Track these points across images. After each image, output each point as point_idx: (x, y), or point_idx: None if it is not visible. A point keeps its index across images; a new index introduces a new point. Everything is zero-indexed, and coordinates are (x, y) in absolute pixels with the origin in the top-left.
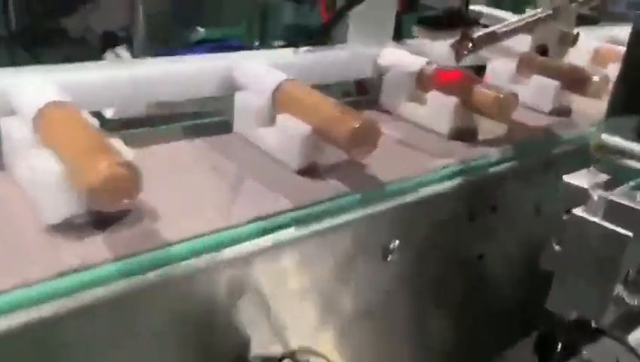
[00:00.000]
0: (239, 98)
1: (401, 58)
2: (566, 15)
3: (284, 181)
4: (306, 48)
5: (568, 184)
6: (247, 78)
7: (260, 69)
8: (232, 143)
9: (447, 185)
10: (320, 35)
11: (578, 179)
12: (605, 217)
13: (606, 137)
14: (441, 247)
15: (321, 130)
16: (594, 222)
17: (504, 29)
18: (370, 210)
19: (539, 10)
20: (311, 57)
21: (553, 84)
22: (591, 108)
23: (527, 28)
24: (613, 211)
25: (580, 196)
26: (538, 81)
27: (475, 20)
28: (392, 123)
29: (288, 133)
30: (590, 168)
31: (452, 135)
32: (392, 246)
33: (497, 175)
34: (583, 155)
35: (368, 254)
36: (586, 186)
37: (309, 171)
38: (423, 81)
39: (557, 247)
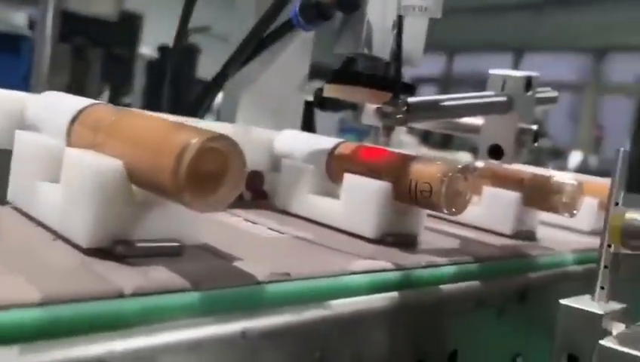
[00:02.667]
0: None
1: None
2: (523, 106)
3: None
4: None
5: None
6: None
7: None
8: None
9: None
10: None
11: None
12: None
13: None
14: None
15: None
16: None
17: (450, 102)
18: None
19: (490, 92)
20: None
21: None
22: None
23: (477, 110)
24: None
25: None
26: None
27: (411, 85)
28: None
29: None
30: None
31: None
32: None
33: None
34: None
35: None
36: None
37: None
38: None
39: None
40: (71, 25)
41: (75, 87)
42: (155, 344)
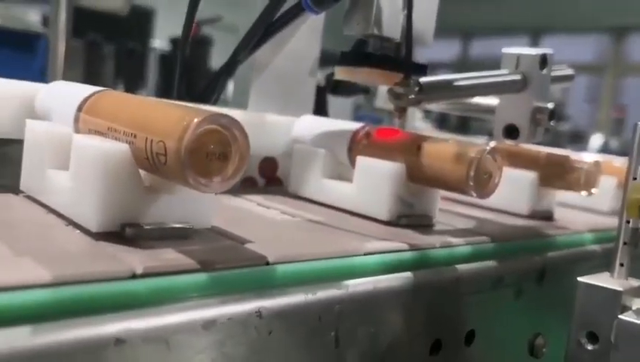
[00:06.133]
0: None
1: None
2: (538, 84)
3: None
4: None
5: None
6: None
7: None
8: None
9: None
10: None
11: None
12: None
13: None
14: None
15: None
16: None
17: (463, 82)
18: None
19: (504, 70)
20: None
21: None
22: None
23: (490, 89)
24: None
25: None
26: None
27: (423, 65)
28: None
29: None
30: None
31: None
32: None
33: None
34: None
35: None
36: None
37: None
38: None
39: None
40: (84, 21)
41: (91, 82)
42: (170, 322)
